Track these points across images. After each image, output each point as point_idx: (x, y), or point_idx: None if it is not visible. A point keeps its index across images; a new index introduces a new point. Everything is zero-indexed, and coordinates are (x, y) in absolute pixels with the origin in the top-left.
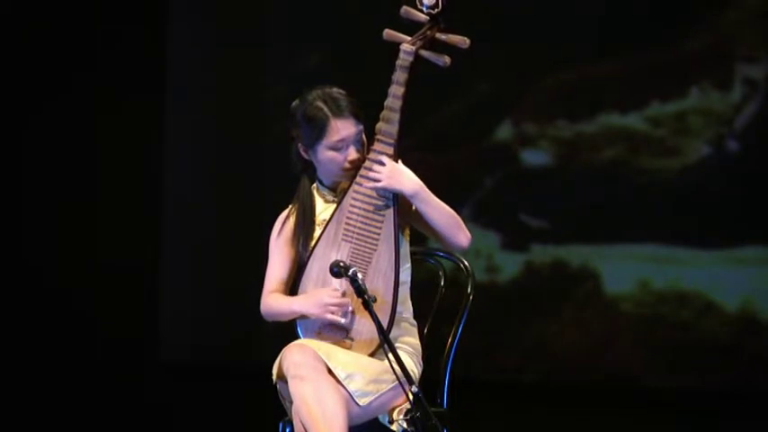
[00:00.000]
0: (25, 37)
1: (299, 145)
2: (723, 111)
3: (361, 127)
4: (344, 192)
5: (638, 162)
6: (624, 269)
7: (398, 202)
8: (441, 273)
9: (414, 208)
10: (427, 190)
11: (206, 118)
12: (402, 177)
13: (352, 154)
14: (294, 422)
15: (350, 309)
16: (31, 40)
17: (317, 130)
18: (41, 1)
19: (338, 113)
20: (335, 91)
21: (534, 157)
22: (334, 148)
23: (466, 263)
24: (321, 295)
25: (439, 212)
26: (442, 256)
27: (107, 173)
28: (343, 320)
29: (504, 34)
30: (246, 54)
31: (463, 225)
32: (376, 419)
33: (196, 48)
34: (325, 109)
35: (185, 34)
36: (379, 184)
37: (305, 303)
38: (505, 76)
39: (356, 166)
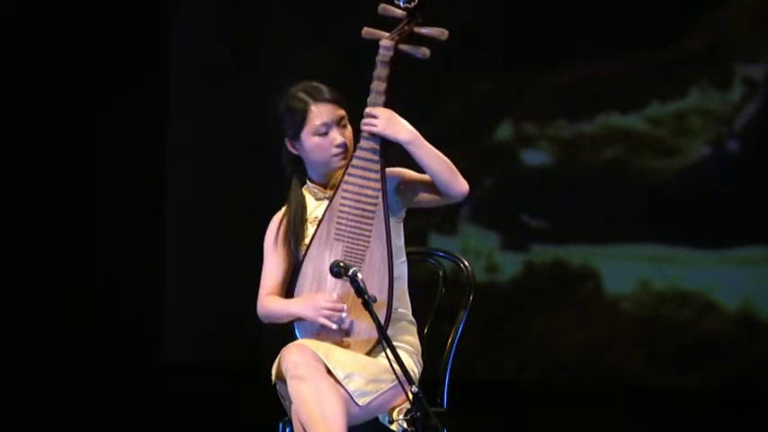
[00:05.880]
0: (24, 37)
1: (287, 140)
2: (723, 111)
3: (343, 112)
4: (335, 190)
5: (638, 162)
6: (624, 269)
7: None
8: (441, 273)
9: (403, 187)
10: (422, 138)
11: (207, 118)
12: (398, 125)
13: (338, 137)
14: (293, 422)
15: (344, 314)
16: (31, 40)
17: (299, 118)
18: (42, 1)
19: (318, 98)
20: (315, 83)
21: (534, 157)
22: (318, 133)
23: (466, 263)
24: (317, 299)
25: (435, 159)
26: (441, 256)
27: (108, 173)
28: (334, 326)
29: (504, 34)
30: (247, 54)
31: (459, 173)
32: (376, 419)
33: (197, 48)
34: (304, 96)
35: (186, 34)
36: (375, 129)
37: (301, 306)
38: (505, 76)
39: (344, 151)
